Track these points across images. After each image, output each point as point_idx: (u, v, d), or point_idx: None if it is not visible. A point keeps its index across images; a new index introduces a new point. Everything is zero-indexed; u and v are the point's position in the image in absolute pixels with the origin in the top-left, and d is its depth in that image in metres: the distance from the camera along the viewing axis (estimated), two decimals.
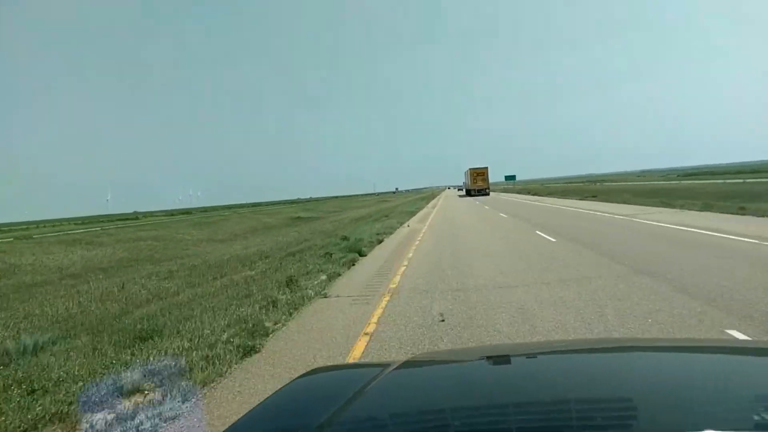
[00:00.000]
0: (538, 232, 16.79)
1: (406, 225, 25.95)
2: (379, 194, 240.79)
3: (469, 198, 65.91)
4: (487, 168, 71.21)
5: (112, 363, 5.37)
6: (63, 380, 4.91)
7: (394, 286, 9.23)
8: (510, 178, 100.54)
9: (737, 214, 17.74)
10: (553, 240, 14.32)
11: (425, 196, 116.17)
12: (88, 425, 3.93)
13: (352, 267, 12.27)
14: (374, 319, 6.94)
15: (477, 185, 70.89)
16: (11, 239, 41.06)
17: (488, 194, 70.00)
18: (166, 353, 5.58)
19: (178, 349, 5.73)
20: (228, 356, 5.51)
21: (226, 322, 6.88)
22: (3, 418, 4.05)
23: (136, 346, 6.08)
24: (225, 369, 5.23)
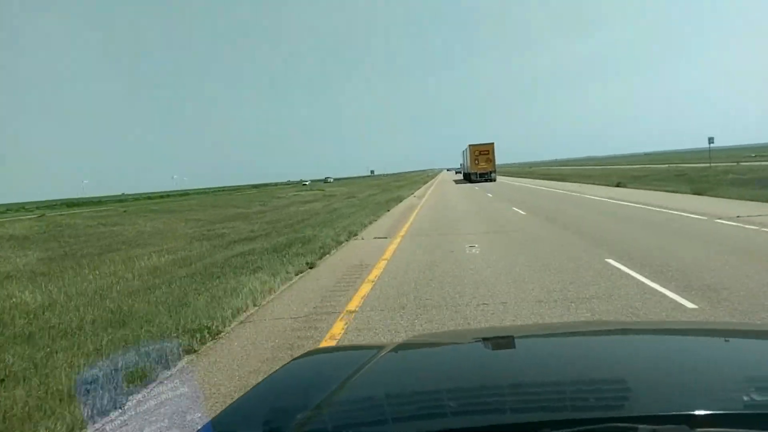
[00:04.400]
0: None
1: None
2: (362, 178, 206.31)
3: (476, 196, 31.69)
4: (492, 144, 53.94)
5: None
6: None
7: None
8: None
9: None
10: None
11: (401, 185, 65.42)
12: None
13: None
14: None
15: (479, 167, 53.41)
16: None
17: (494, 179, 52.65)
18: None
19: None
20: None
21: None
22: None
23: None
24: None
